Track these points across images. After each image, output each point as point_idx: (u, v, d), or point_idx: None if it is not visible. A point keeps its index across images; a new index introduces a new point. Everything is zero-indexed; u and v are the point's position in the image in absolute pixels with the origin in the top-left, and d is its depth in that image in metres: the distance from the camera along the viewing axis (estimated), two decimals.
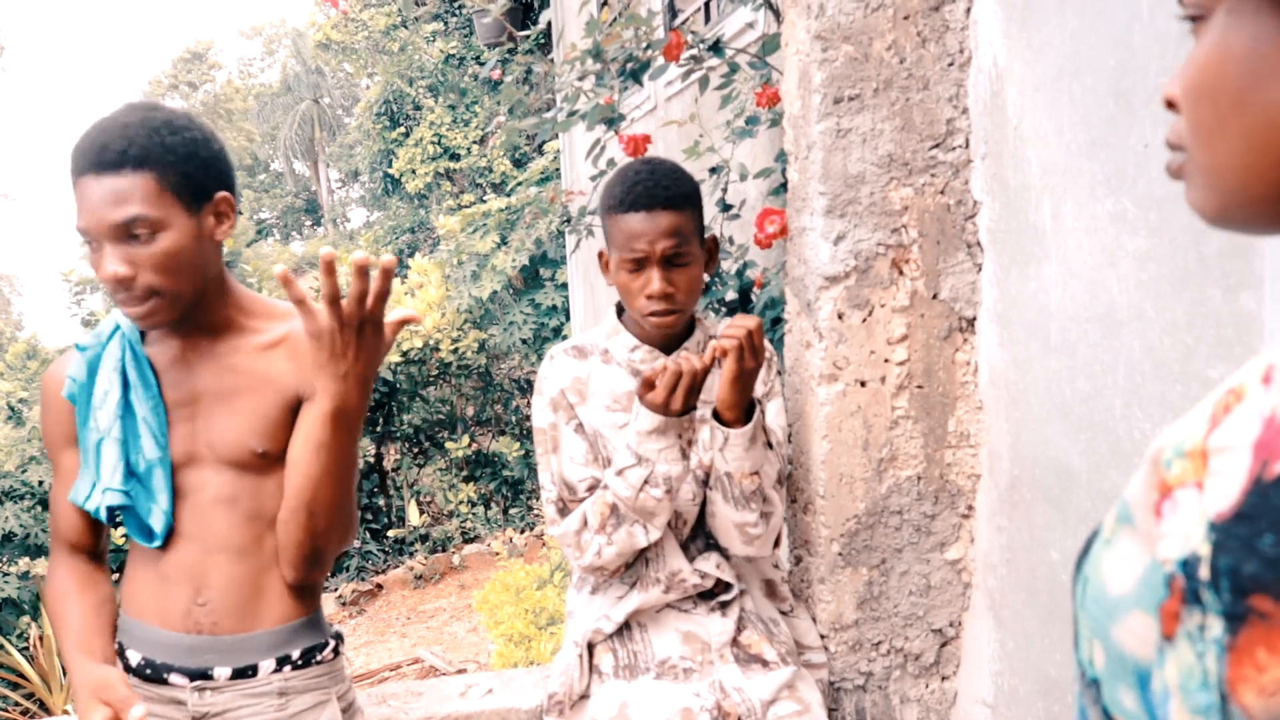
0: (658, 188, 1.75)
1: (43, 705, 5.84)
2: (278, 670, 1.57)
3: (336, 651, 1.65)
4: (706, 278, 2.46)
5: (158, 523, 1.55)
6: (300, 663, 1.59)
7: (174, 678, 1.54)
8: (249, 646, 1.56)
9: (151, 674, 1.55)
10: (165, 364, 1.58)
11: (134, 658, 1.57)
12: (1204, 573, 0.49)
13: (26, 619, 6.51)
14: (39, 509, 7.06)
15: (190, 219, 1.47)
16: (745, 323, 1.68)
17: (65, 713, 5.57)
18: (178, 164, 1.45)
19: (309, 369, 1.51)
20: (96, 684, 1.43)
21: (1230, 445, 0.52)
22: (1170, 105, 0.59)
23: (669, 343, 1.86)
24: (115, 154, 1.42)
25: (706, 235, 1.82)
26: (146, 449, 1.54)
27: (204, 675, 1.54)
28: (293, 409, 1.58)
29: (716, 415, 1.73)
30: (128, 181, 1.42)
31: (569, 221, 3.47)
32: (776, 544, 1.88)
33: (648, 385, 1.67)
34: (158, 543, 1.56)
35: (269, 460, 1.56)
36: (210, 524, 1.56)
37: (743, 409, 1.71)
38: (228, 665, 1.54)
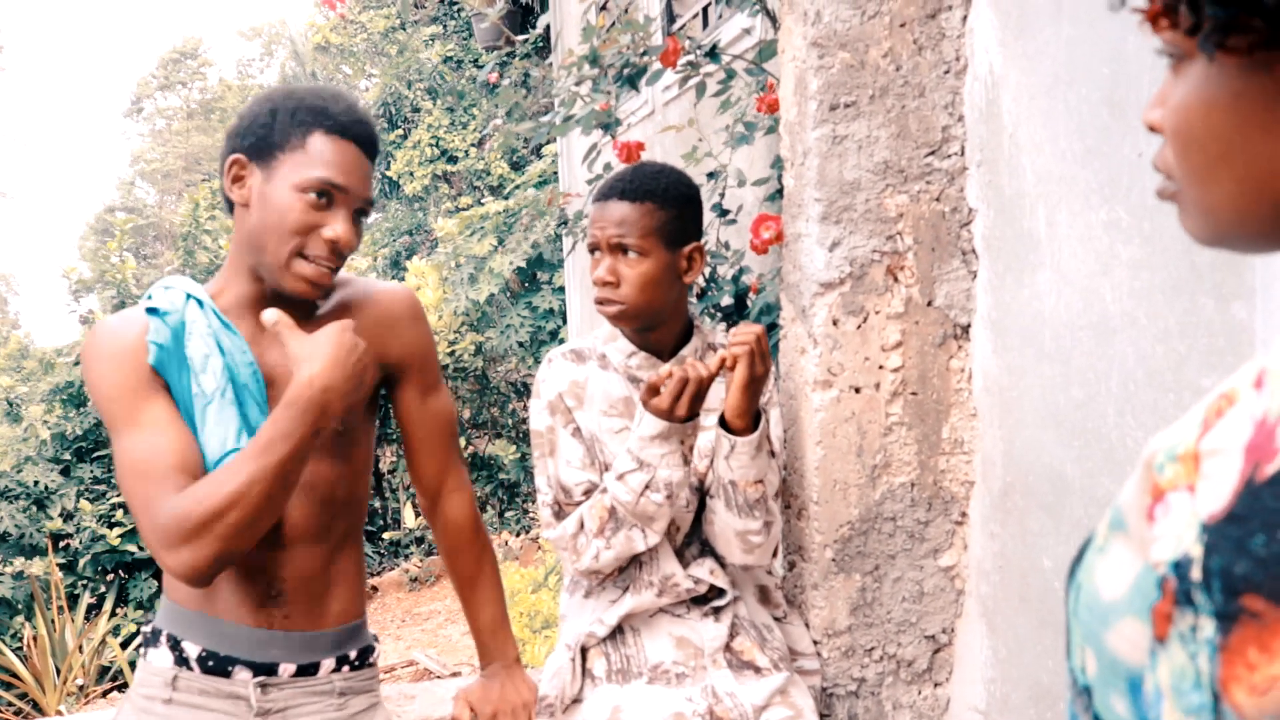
0: (624, 181, 1.78)
1: (36, 706, 5.83)
2: (337, 670, 1.57)
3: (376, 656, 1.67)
4: (701, 284, 2.44)
5: None
6: (357, 663, 1.60)
7: (238, 671, 1.51)
8: (316, 644, 1.56)
9: (214, 666, 1.52)
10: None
11: (192, 650, 1.52)
12: (1196, 574, 0.49)
13: (20, 619, 6.50)
14: (34, 509, 7.04)
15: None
16: (752, 329, 1.69)
17: (59, 713, 5.56)
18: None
19: (380, 338, 1.59)
20: None
21: (1222, 448, 0.52)
22: (1154, 129, 0.60)
23: (666, 349, 1.86)
24: None
25: (689, 245, 1.81)
26: (252, 415, 1.50)
27: (269, 670, 1.52)
28: (371, 385, 1.57)
29: (723, 423, 1.74)
30: None
31: (566, 224, 3.48)
32: (774, 554, 1.89)
33: (652, 390, 1.68)
34: None
35: (346, 440, 1.56)
36: (285, 512, 1.51)
37: (751, 416, 1.72)
38: (293, 661, 1.54)
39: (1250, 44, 0.51)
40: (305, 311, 1.57)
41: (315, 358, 1.38)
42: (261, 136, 1.49)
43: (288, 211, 1.46)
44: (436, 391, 1.70)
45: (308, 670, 1.55)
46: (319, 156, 1.46)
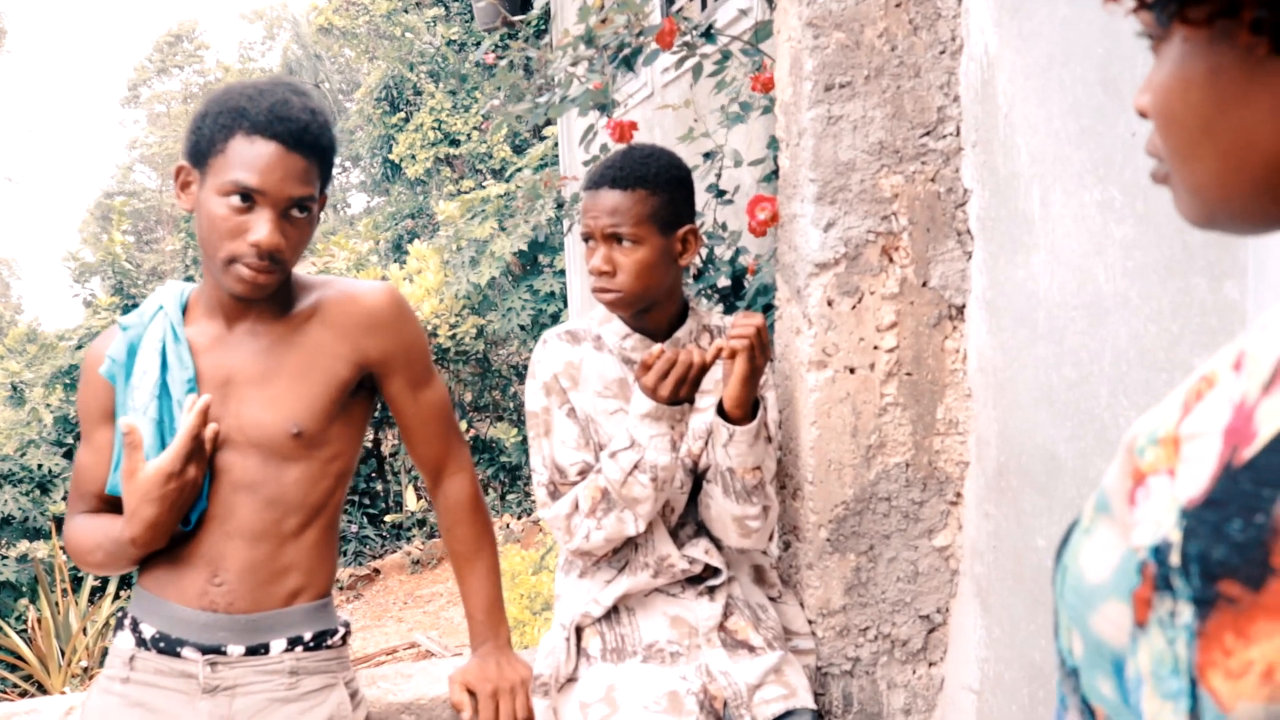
0: (614, 168, 1.77)
1: (40, 687, 5.86)
2: (289, 650, 1.60)
3: (345, 639, 1.67)
4: (697, 264, 2.44)
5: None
6: (311, 644, 1.62)
7: (187, 652, 1.57)
8: (262, 626, 1.59)
9: (165, 647, 1.58)
10: (204, 345, 1.60)
11: (148, 631, 1.59)
12: (1175, 559, 0.49)
13: (24, 601, 6.53)
14: (37, 492, 7.07)
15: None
16: (752, 320, 1.68)
17: (63, 694, 5.59)
18: None
19: (356, 339, 1.61)
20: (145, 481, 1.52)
21: (1201, 431, 0.52)
22: (1144, 114, 0.60)
23: (661, 331, 1.86)
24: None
25: (683, 228, 1.81)
26: (170, 433, 1.56)
27: (217, 651, 1.57)
28: (341, 386, 1.60)
29: (721, 412, 1.74)
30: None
31: (562, 207, 3.47)
32: (770, 537, 1.89)
33: (646, 368, 1.68)
34: (187, 527, 1.58)
35: (303, 442, 1.58)
36: (230, 508, 1.58)
37: (750, 405, 1.72)
38: (240, 643, 1.57)
39: (1210, 13, 0.51)
40: (278, 311, 1.60)
41: (129, 506, 1.53)
42: (195, 142, 1.52)
43: (215, 217, 1.49)
44: (427, 385, 1.73)
45: (258, 650, 1.58)
46: (236, 159, 1.48)
